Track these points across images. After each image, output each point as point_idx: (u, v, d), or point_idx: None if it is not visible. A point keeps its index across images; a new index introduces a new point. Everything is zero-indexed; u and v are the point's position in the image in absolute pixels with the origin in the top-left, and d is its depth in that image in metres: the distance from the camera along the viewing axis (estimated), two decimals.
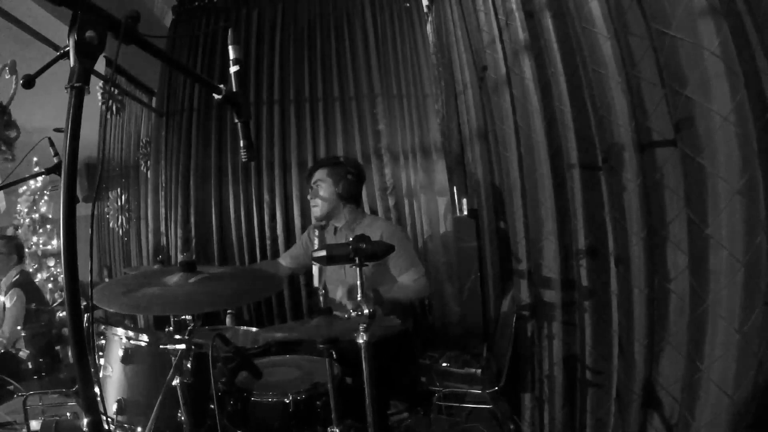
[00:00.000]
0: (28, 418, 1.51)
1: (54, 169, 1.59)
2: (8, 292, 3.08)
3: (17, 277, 3.17)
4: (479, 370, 2.11)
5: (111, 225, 3.73)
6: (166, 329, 1.42)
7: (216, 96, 0.99)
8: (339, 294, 2.09)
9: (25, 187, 5.14)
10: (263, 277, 1.48)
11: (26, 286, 3.14)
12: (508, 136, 1.97)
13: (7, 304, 3.03)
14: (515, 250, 2.04)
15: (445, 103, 3.29)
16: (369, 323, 1.27)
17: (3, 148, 3.10)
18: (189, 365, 1.30)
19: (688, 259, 1.16)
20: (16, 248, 3.32)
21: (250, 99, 3.31)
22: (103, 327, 1.58)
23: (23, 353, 2.97)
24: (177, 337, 1.33)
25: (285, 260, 2.53)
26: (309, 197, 2.28)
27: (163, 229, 3.44)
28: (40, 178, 5.09)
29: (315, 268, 2.35)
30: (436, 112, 3.20)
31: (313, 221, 2.40)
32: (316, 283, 2.34)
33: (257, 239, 3.28)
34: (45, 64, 0.82)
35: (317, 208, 2.24)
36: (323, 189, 2.21)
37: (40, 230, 5.16)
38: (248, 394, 1.54)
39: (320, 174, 2.23)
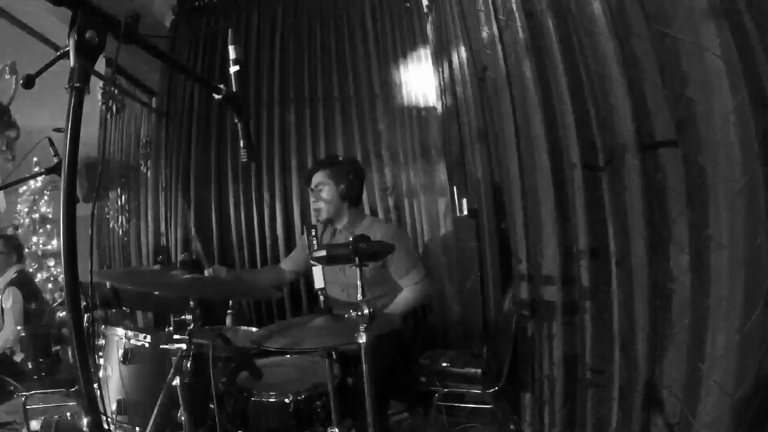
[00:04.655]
0: (28, 418, 1.51)
1: (54, 169, 1.59)
2: (5, 291, 3.08)
3: (14, 276, 3.17)
4: (479, 370, 2.11)
5: (111, 225, 3.73)
6: (166, 329, 1.42)
7: (216, 96, 0.99)
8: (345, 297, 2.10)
9: (25, 187, 5.14)
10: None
11: (23, 285, 3.13)
12: (508, 136, 1.97)
13: (6, 305, 3.02)
14: (515, 250, 2.04)
15: (445, 103, 3.29)
16: (369, 324, 1.26)
17: (3, 148, 3.10)
18: (189, 365, 1.30)
19: (689, 259, 1.16)
20: (16, 248, 3.32)
21: (250, 99, 3.31)
22: (103, 327, 1.58)
23: (18, 356, 2.96)
24: (177, 337, 1.33)
25: (286, 264, 2.50)
26: (311, 200, 2.25)
27: (163, 229, 3.43)
28: (40, 178, 5.09)
29: (316, 270, 2.34)
30: (436, 112, 3.20)
31: (313, 222, 2.39)
32: (318, 284, 2.32)
33: (257, 239, 3.28)
34: (45, 64, 0.82)
35: (321, 211, 2.21)
36: (326, 192, 2.18)
37: (40, 230, 5.16)
38: (248, 394, 1.54)
39: (321, 177, 2.20)
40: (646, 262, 1.34)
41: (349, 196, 2.18)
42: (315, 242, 2.34)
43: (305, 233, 2.45)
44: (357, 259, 1.29)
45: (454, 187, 3.18)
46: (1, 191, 3.80)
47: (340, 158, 2.33)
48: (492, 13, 1.98)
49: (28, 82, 0.81)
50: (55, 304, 3.92)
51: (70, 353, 2.84)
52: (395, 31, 3.26)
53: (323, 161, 2.35)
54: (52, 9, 0.63)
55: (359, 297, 1.28)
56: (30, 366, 2.93)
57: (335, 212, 2.20)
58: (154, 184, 3.53)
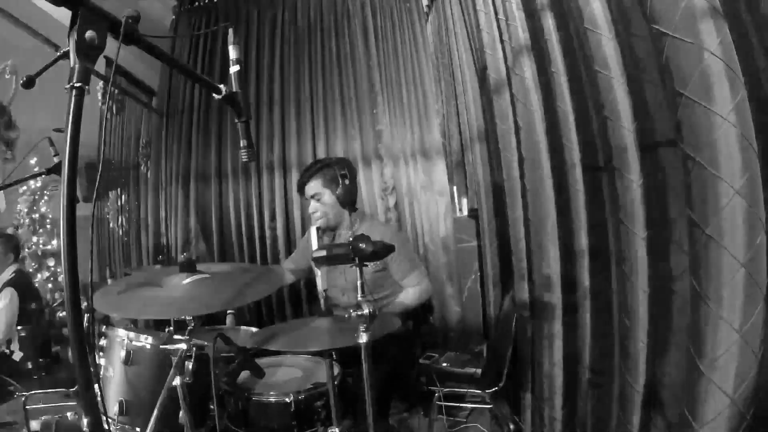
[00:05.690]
0: (28, 418, 1.51)
1: (54, 169, 1.59)
2: (1, 291, 3.07)
3: (12, 276, 3.16)
4: (479, 370, 2.11)
5: (111, 225, 3.73)
6: (167, 329, 1.42)
7: (216, 96, 1.00)
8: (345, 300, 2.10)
9: (25, 187, 5.13)
10: (261, 275, 1.48)
11: (20, 285, 3.12)
12: (508, 136, 1.97)
13: (0, 305, 3.01)
14: (515, 250, 2.04)
15: (445, 103, 3.29)
16: (369, 324, 1.26)
17: (3, 148, 3.10)
18: (190, 365, 1.30)
19: (689, 259, 1.16)
20: (13, 248, 3.31)
21: (250, 99, 3.31)
22: (105, 328, 1.58)
23: (17, 355, 2.96)
24: (177, 337, 1.33)
25: (288, 265, 2.49)
26: (310, 211, 2.19)
27: (163, 229, 3.44)
28: (40, 178, 5.08)
29: (317, 272, 2.33)
30: (436, 112, 3.20)
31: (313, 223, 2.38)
32: (319, 287, 2.32)
33: (257, 239, 3.28)
34: (45, 64, 0.82)
35: (322, 221, 2.16)
36: (324, 201, 2.13)
37: (40, 230, 5.15)
38: (249, 394, 1.55)
39: (315, 186, 2.13)
40: (646, 262, 1.34)
41: (347, 201, 2.14)
42: (315, 244, 2.34)
43: (308, 234, 2.44)
44: (357, 259, 1.29)
45: (454, 187, 3.18)
46: (1, 191, 3.79)
47: (328, 160, 2.22)
48: (492, 13, 1.98)
49: (28, 82, 0.81)
50: (55, 304, 3.92)
51: (70, 353, 2.84)
52: (395, 30, 3.26)
53: (313, 168, 2.20)
54: (53, 9, 0.63)
55: (359, 297, 1.28)
56: (30, 366, 2.92)
57: (337, 220, 2.18)
58: (154, 184, 3.53)
